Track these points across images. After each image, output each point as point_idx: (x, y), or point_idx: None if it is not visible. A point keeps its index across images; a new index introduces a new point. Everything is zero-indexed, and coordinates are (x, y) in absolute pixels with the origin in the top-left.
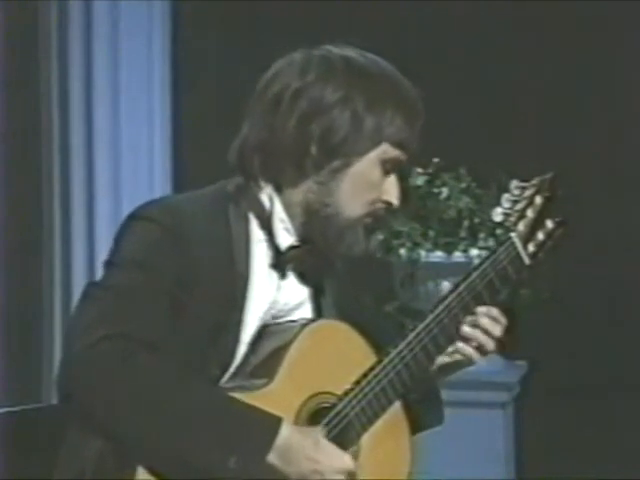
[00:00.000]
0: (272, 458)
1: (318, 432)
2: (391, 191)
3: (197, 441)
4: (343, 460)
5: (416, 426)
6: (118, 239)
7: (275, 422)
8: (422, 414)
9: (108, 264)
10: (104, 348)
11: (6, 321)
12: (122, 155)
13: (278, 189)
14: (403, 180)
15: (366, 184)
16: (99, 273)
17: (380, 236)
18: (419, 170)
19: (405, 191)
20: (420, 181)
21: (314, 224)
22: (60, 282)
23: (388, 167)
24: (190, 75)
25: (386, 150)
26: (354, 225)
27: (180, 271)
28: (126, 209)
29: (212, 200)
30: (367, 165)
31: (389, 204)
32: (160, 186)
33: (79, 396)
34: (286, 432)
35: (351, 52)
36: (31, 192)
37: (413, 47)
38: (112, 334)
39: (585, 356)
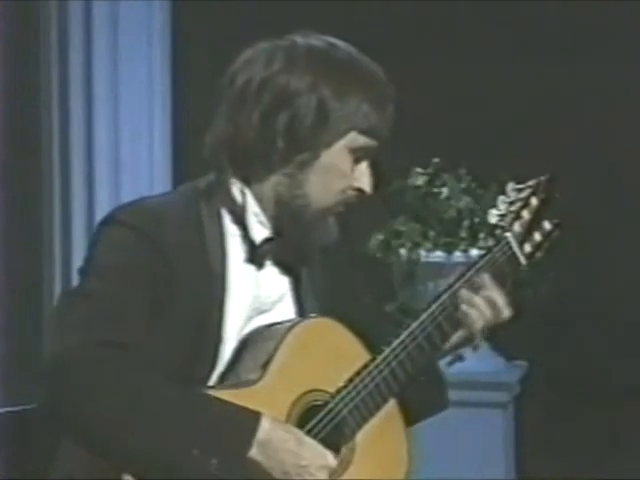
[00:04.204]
0: (254, 454)
1: (298, 430)
2: (362, 179)
3: (176, 443)
4: (326, 457)
5: (417, 413)
6: (92, 246)
7: (254, 417)
8: (422, 400)
9: (82, 272)
10: (78, 354)
11: (6, 321)
12: (122, 155)
13: (247, 184)
14: (377, 165)
15: (336, 174)
16: None
17: (380, 236)
18: (419, 170)
19: (379, 177)
20: (420, 181)
21: (285, 216)
22: (60, 282)
23: (358, 155)
24: (190, 75)
25: (354, 138)
26: (325, 215)
27: (155, 273)
28: None
29: (184, 199)
30: (336, 155)
31: (361, 191)
32: (160, 185)
33: (54, 402)
34: (266, 426)
35: (316, 40)
36: (31, 192)
37: (413, 47)
38: (86, 340)
39: (585, 356)
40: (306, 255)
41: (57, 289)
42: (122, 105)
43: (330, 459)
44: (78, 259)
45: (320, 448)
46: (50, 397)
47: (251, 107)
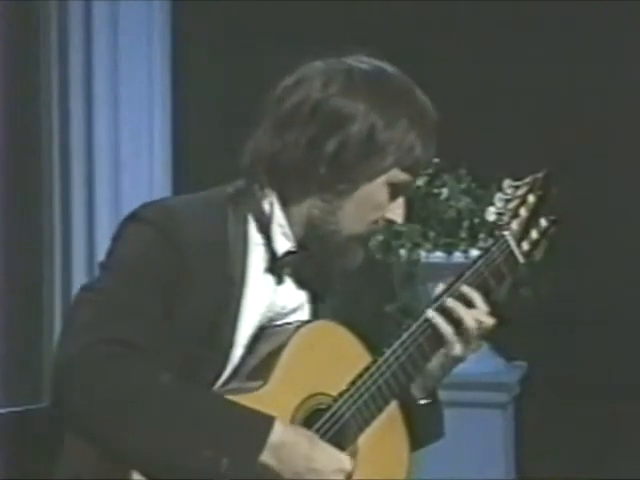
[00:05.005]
0: (265, 457)
1: (312, 433)
2: (397, 211)
3: (187, 443)
4: (341, 459)
5: (417, 442)
6: (114, 241)
7: (267, 421)
8: (422, 429)
9: (103, 266)
10: (95, 352)
11: (6, 321)
12: (122, 155)
13: (282, 200)
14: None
15: (371, 206)
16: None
17: (380, 237)
18: None
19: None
20: (420, 182)
21: (313, 237)
22: (60, 282)
23: (396, 190)
24: (190, 75)
25: (396, 174)
26: (352, 241)
27: (173, 273)
28: (126, 209)
29: (211, 202)
30: (374, 188)
31: (392, 221)
32: (160, 185)
33: (68, 400)
34: (279, 430)
35: (371, 66)
36: (31, 192)
37: (413, 47)
38: (102, 338)
39: (585, 357)
40: (326, 276)
41: (57, 289)
42: (122, 105)
43: (346, 462)
44: (78, 259)
45: (335, 451)
46: (56, 395)
47: (301, 127)
